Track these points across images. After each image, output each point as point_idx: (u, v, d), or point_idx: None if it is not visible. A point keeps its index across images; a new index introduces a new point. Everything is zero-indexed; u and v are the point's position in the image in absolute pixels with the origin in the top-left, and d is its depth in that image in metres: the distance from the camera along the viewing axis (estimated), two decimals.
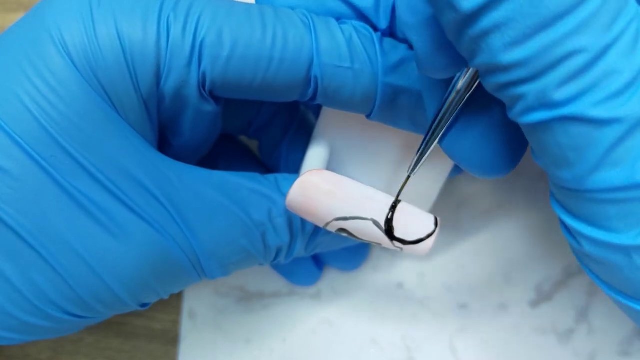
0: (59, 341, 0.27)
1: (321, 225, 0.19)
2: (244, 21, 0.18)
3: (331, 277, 0.27)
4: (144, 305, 0.20)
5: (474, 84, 0.17)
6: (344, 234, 0.19)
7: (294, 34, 0.18)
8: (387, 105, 0.19)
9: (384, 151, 0.22)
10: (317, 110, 0.23)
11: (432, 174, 0.22)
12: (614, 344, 0.25)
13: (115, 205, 0.17)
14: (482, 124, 0.18)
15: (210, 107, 0.19)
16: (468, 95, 0.17)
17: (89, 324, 0.20)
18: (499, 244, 0.27)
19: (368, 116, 0.20)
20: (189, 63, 0.17)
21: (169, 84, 0.18)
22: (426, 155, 0.18)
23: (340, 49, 0.18)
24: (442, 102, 0.17)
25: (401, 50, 0.19)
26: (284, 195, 0.20)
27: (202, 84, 0.18)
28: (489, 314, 0.26)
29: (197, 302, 0.27)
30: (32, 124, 0.17)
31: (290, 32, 0.18)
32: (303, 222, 0.20)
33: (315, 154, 0.22)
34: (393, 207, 0.18)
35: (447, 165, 0.22)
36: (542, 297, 0.26)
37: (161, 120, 0.19)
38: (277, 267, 0.26)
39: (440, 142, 0.18)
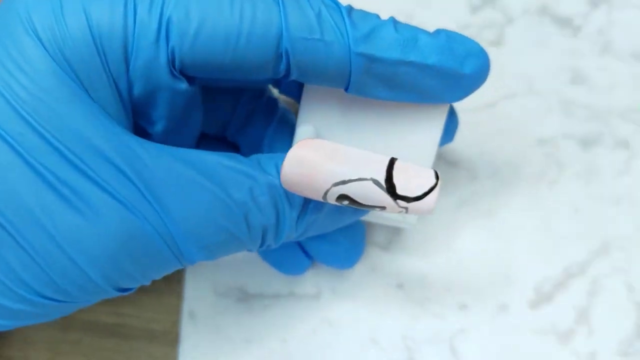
0: (57, 342, 0.27)
1: (320, 196, 0.18)
2: None
3: (331, 277, 0.27)
4: (123, 290, 0.19)
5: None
6: (345, 202, 0.18)
7: (262, 8, 0.18)
8: (363, 76, 0.19)
9: (369, 127, 0.22)
10: (296, 109, 0.23)
11: (423, 137, 0.22)
12: (614, 344, 0.25)
13: (82, 182, 0.17)
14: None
15: (183, 85, 0.19)
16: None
17: (71, 310, 0.19)
18: (499, 244, 0.27)
19: (346, 89, 0.19)
20: (157, 40, 0.17)
21: (138, 64, 0.18)
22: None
23: (310, 21, 0.18)
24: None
25: (371, 19, 0.19)
26: (266, 173, 0.19)
27: (172, 62, 0.18)
28: (489, 314, 0.26)
29: (197, 302, 0.27)
30: (0, 102, 0.17)
31: (258, 7, 0.18)
32: (289, 199, 0.20)
33: (304, 131, 0.21)
34: (391, 164, 0.18)
35: (437, 126, 0.22)
36: (542, 297, 0.26)
37: (136, 105, 0.19)
38: (266, 257, 0.26)
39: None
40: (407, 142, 0.22)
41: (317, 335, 0.26)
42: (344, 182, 0.18)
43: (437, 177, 0.18)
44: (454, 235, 0.27)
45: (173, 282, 0.27)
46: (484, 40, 0.28)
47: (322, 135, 0.22)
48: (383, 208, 0.19)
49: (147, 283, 0.19)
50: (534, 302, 0.26)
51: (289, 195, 0.19)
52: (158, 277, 0.20)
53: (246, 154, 0.24)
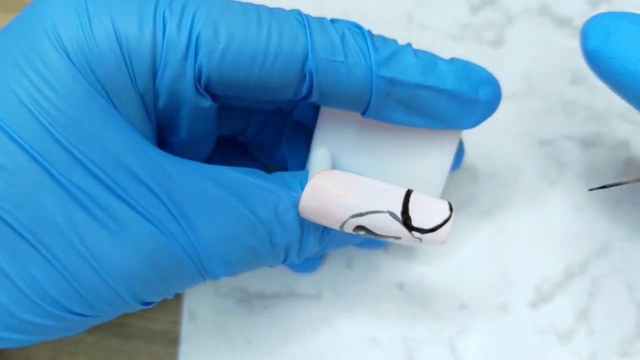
0: (59, 342, 0.27)
1: (337, 226, 0.19)
2: (239, 16, 0.18)
3: (331, 277, 0.27)
4: (147, 303, 0.20)
5: None
6: (362, 232, 0.19)
7: (288, 29, 0.18)
8: (382, 100, 0.19)
9: (382, 152, 0.22)
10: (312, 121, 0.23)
11: (435, 164, 0.22)
12: (614, 344, 0.25)
13: (112, 200, 0.17)
14: None
15: (207, 102, 0.19)
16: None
17: (93, 324, 0.19)
18: (499, 244, 0.27)
19: (363, 113, 0.20)
20: (185, 57, 0.17)
21: (165, 79, 0.18)
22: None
23: (334, 44, 0.18)
24: None
25: (391, 44, 0.19)
26: (291, 190, 0.19)
27: (197, 78, 0.18)
28: (489, 314, 0.26)
29: (197, 303, 0.27)
30: (28, 119, 0.17)
31: (285, 28, 0.18)
32: None
33: (320, 156, 0.22)
34: (407, 196, 0.18)
35: (449, 153, 0.22)
36: (542, 297, 0.26)
37: (159, 118, 0.19)
38: None
39: None
40: (419, 168, 0.22)
41: (317, 335, 0.26)
42: (361, 215, 0.18)
43: (451, 209, 0.19)
44: (454, 235, 0.27)
45: None
46: (484, 40, 0.28)
47: (335, 158, 0.22)
48: (398, 238, 0.19)
49: (170, 297, 0.20)
50: (534, 302, 0.26)
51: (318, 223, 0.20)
52: (181, 291, 0.20)
53: (266, 153, 0.25)
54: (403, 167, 0.22)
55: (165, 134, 0.20)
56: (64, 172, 0.17)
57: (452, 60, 0.20)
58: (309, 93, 0.19)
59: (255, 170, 0.20)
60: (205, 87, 0.18)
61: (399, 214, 0.18)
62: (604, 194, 0.27)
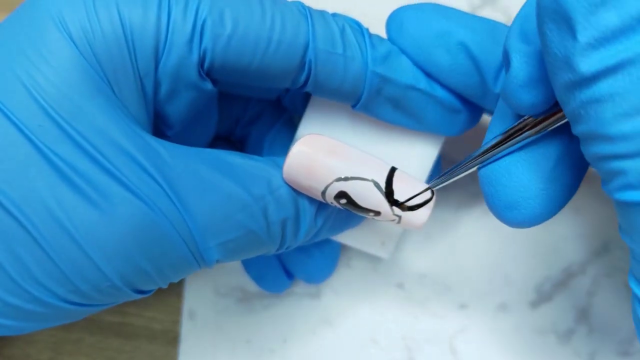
0: (59, 341, 0.27)
1: (320, 189, 0.19)
2: (244, 4, 0.18)
3: (331, 277, 0.27)
4: (140, 292, 0.19)
5: (547, 129, 0.17)
6: (343, 201, 0.19)
7: (291, 18, 0.19)
8: (373, 95, 0.20)
9: (368, 140, 0.22)
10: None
11: (423, 150, 0.22)
12: (614, 344, 0.25)
13: (100, 176, 0.17)
14: (533, 169, 0.17)
15: (209, 86, 0.19)
16: (536, 136, 0.17)
17: (89, 312, 0.19)
18: (499, 244, 0.27)
19: (354, 106, 0.20)
20: (190, 41, 0.18)
21: (170, 62, 0.18)
22: (458, 177, 0.19)
23: (334, 36, 0.19)
24: (506, 132, 0.17)
25: (387, 44, 0.20)
26: (281, 169, 0.19)
27: (201, 63, 0.18)
28: (489, 314, 0.26)
29: (197, 302, 0.27)
30: (21, 93, 0.17)
31: (287, 17, 0.18)
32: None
33: (307, 131, 0.22)
34: (392, 171, 0.19)
35: (437, 142, 0.22)
36: (542, 297, 0.26)
37: (159, 105, 0.19)
38: (248, 270, 0.26)
39: (480, 167, 0.18)
40: (406, 156, 0.22)
41: (317, 335, 0.26)
42: (345, 179, 0.19)
43: (432, 194, 0.19)
44: (454, 235, 0.27)
45: (173, 282, 0.27)
46: None
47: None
48: (378, 213, 0.19)
49: (165, 285, 0.19)
50: (534, 302, 0.26)
51: (299, 189, 0.20)
52: (175, 278, 0.19)
53: (252, 151, 0.25)
54: (389, 155, 0.22)
55: (162, 124, 0.20)
56: (54, 147, 0.17)
57: None
58: (305, 82, 0.19)
59: (245, 154, 0.20)
60: (207, 72, 0.19)
61: (382, 185, 0.19)
62: (604, 193, 0.27)
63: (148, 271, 0.18)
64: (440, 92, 0.20)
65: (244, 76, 0.19)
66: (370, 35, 0.20)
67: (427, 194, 0.19)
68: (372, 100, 0.20)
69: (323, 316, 0.26)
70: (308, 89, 0.20)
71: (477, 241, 0.27)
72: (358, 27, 0.20)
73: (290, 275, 0.26)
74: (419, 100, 0.20)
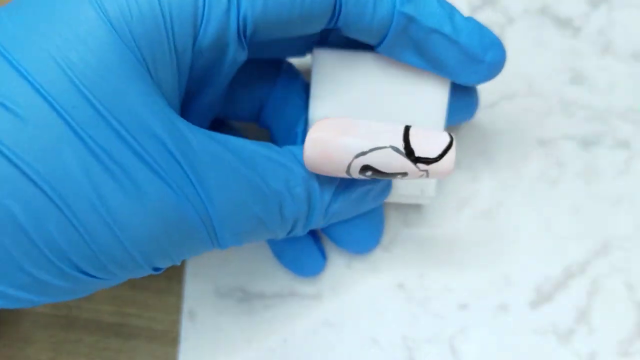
0: (59, 341, 0.27)
1: (343, 171, 0.19)
2: None
3: (331, 277, 0.27)
4: (156, 269, 0.19)
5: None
6: (368, 173, 0.19)
7: None
8: (398, 35, 0.20)
9: (378, 105, 0.22)
10: None
11: (433, 99, 0.22)
12: (614, 344, 0.25)
13: (132, 160, 0.17)
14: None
15: (244, 56, 0.20)
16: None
17: (102, 287, 0.19)
18: (499, 244, 0.27)
19: (377, 46, 0.21)
20: (228, 9, 0.18)
21: (208, 35, 0.18)
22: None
23: None
24: None
25: None
26: (301, 164, 0.20)
27: (243, 30, 0.18)
28: (489, 314, 0.26)
29: (197, 302, 0.27)
30: (56, 73, 0.17)
31: None
32: (322, 191, 0.20)
33: (316, 106, 0.22)
34: (406, 130, 0.19)
35: (445, 87, 0.22)
36: (542, 297, 0.26)
37: (194, 75, 0.19)
38: (281, 258, 0.26)
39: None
40: (417, 111, 0.22)
41: (317, 335, 0.26)
42: (363, 153, 0.19)
43: (451, 137, 0.19)
44: (454, 235, 0.27)
45: (173, 282, 0.27)
46: None
47: (334, 114, 0.23)
48: (405, 174, 0.19)
49: (178, 263, 0.20)
50: (534, 302, 0.26)
51: (322, 187, 0.20)
52: (188, 257, 0.20)
53: (278, 138, 0.25)
54: (401, 111, 0.22)
55: (195, 90, 0.20)
56: (87, 129, 0.17)
57: (469, 18, 0.21)
58: (336, 22, 0.20)
59: (268, 143, 0.20)
60: (251, 36, 0.19)
61: (401, 148, 0.19)
62: (604, 193, 0.27)
63: (169, 252, 0.19)
64: (464, 39, 0.20)
65: (285, 30, 0.19)
66: None
67: (447, 139, 0.19)
68: (396, 41, 0.20)
69: (323, 316, 0.26)
70: (339, 26, 0.20)
71: (477, 241, 0.27)
72: None
73: (323, 254, 0.26)
74: (442, 44, 0.20)
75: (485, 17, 0.28)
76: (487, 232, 0.27)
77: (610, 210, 0.27)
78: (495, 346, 0.26)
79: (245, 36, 0.19)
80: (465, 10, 0.28)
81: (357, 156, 0.19)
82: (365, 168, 0.19)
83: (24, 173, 0.17)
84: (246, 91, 0.24)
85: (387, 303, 0.26)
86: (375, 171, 0.19)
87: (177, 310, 0.27)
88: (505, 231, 0.27)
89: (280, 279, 0.27)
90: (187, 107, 0.21)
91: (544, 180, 0.27)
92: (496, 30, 0.28)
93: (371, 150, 0.19)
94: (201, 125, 0.21)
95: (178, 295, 0.27)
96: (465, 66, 0.21)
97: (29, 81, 0.17)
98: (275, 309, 0.26)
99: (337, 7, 0.19)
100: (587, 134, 0.27)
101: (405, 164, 0.19)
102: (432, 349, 0.26)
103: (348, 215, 0.22)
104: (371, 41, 0.21)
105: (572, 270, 0.26)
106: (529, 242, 0.26)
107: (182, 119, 0.18)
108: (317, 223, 0.21)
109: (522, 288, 0.26)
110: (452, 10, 0.21)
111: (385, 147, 0.19)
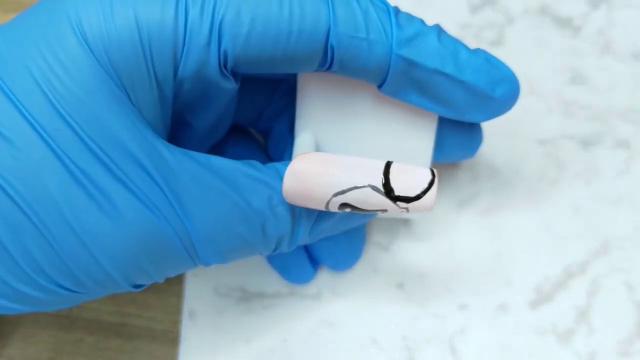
0: (59, 341, 0.27)
1: (322, 206, 0.19)
2: None
3: (331, 278, 0.27)
4: (137, 286, 0.20)
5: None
6: (348, 209, 0.19)
7: (310, 5, 0.18)
8: (399, 78, 0.19)
9: (365, 133, 0.22)
10: None
11: (418, 140, 0.22)
12: (614, 344, 0.25)
13: (110, 182, 0.17)
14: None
15: (230, 85, 0.19)
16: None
17: (83, 300, 0.20)
18: (499, 244, 0.27)
19: (379, 87, 0.20)
20: (208, 43, 0.18)
21: (189, 66, 0.18)
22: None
23: (357, 19, 0.18)
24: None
25: (417, 24, 0.19)
26: (282, 179, 0.19)
27: (223, 63, 0.18)
28: (489, 314, 0.26)
29: (197, 302, 0.27)
30: (39, 97, 0.17)
31: (306, 4, 0.18)
32: (307, 209, 0.20)
33: (303, 141, 0.22)
34: (387, 167, 0.18)
35: (432, 122, 0.22)
36: (542, 297, 0.26)
37: (181, 103, 0.19)
38: (272, 262, 0.26)
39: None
40: (403, 145, 0.22)
41: (317, 335, 0.26)
42: (342, 192, 0.18)
43: (433, 175, 0.18)
44: (454, 235, 0.27)
45: (173, 282, 0.27)
46: (484, 40, 0.28)
47: (319, 141, 0.22)
48: (385, 210, 0.19)
49: (162, 280, 0.20)
50: (534, 302, 0.26)
51: (303, 206, 0.20)
52: (172, 275, 0.20)
53: (272, 145, 0.25)
54: (386, 146, 0.22)
55: (185, 120, 0.20)
56: (68, 152, 0.17)
57: (476, 51, 0.20)
58: (330, 65, 0.19)
59: (251, 161, 0.20)
60: (232, 70, 0.19)
61: (380, 187, 0.18)
62: (604, 193, 0.27)
63: (149, 271, 0.19)
64: (469, 76, 0.19)
65: (269, 67, 0.19)
66: (397, 13, 0.19)
67: (428, 178, 0.18)
68: (398, 83, 0.20)
69: (323, 316, 0.26)
70: (334, 69, 0.19)
71: (477, 241, 0.27)
72: (384, 6, 0.19)
73: (314, 265, 0.26)
74: (446, 85, 0.20)
75: (485, 17, 0.28)
76: (487, 232, 0.27)
77: (610, 210, 0.27)
78: (495, 346, 0.26)
79: (227, 69, 0.18)
80: (465, 10, 0.28)
81: (336, 195, 0.18)
82: (344, 205, 0.19)
83: (6, 193, 0.17)
84: (246, 97, 0.24)
85: (387, 303, 0.26)
86: (355, 208, 0.19)
87: (177, 310, 0.27)
88: (505, 231, 0.27)
89: (280, 278, 0.27)
90: (182, 134, 0.21)
91: (544, 180, 0.27)
92: (496, 30, 0.28)
93: (350, 189, 0.18)
94: (200, 150, 0.21)
95: (178, 295, 0.27)
96: (474, 104, 0.20)
97: (14, 104, 0.17)
98: (275, 308, 0.26)
99: (330, 52, 0.19)
100: (587, 134, 0.27)
101: (385, 202, 0.18)
102: (432, 349, 0.26)
103: (336, 231, 0.22)
104: (372, 83, 0.20)
105: (572, 270, 0.26)
106: (529, 242, 0.26)
107: (162, 140, 0.18)
108: (303, 240, 0.21)
109: (522, 288, 0.26)
110: (455, 46, 0.20)
111: (364, 187, 0.18)
